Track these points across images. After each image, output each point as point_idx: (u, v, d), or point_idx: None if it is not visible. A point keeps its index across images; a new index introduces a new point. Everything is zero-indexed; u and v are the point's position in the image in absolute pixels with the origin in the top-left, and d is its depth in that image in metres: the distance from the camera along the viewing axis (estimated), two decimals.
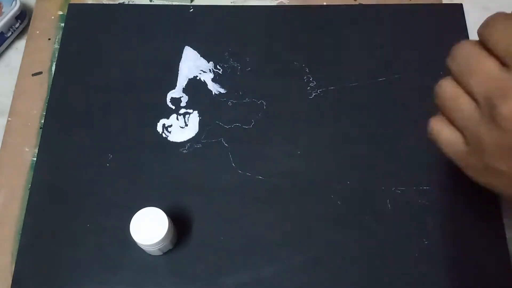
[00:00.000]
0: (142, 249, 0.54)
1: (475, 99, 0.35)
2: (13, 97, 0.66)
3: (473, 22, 0.68)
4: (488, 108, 0.33)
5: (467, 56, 0.36)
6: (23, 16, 0.69)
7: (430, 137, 0.40)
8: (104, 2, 0.72)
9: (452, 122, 0.38)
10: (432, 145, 0.61)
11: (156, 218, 0.52)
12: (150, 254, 0.56)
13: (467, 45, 0.36)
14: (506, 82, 0.32)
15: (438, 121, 0.40)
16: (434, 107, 0.60)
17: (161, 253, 0.56)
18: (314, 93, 0.64)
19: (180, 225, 0.57)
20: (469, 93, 0.35)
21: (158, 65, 0.67)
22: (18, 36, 0.70)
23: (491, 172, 0.36)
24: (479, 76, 0.34)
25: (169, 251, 0.56)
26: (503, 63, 0.33)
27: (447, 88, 0.37)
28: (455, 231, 0.57)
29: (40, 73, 0.67)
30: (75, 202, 0.59)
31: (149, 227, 0.52)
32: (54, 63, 0.67)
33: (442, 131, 0.39)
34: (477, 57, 0.35)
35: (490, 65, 0.34)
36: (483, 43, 0.36)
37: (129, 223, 0.52)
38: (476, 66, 0.35)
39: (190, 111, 0.64)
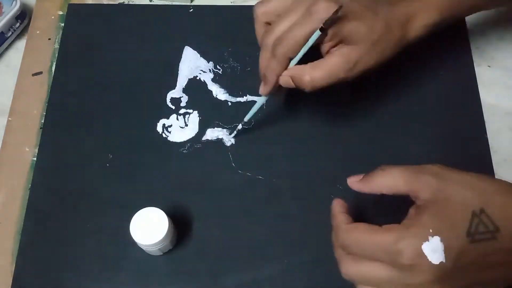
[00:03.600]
0: (142, 249, 0.54)
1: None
2: (13, 97, 0.66)
3: (473, 21, 0.68)
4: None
5: (362, 273, 0.41)
6: (23, 16, 0.69)
7: None
8: (104, 2, 0.72)
9: None
10: (431, 146, 0.61)
11: (156, 218, 0.52)
12: (150, 254, 0.56)
13: (354, 267, 0.42)
14: (397, 278, 0.39)
15: None
16: (434, 107, 0.60)
17: (161, 253, 0.56)
18: (314, 92, 0.64)
19: (180, 225, 0.57)
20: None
21: (158, 65, 0.67)
22: (18, 36, 0.70)
23: None
24: (384, 285, 0.40)
25: (169, 251, 0.56)
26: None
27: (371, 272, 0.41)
28: None
29: (40, 73, 0.67)
30: (75, 202, 0.59)
31: (149, 227, 0.52)
32: (54, 63, 0.67)
33: None
34: (370, 271, 0.40)
35: (383, 274, 0.40)
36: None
37: (129, 223, 0.52)
38: (376, 280, 0.40)
39: (190, 111, 0.64)
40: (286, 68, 0.51)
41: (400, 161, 0.59)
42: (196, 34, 0.69)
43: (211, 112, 0.64)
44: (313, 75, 0.49)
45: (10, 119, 0.64)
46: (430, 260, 0.37)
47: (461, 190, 0.39)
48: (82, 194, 0.59)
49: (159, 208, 0.53)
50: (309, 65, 0.50)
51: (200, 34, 0.69)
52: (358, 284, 0.42)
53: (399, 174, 0.42)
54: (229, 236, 0.57)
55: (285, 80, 0.51)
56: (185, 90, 0.65)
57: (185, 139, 0.62)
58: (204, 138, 0.62)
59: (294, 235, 0.57)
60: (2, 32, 0.67)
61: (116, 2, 0.71)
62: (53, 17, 0.71)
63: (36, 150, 0.62)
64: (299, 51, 0.50)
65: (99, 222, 0.58)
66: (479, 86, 0.64)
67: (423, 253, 0.37)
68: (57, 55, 0.68)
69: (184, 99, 0.65)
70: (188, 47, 0.68)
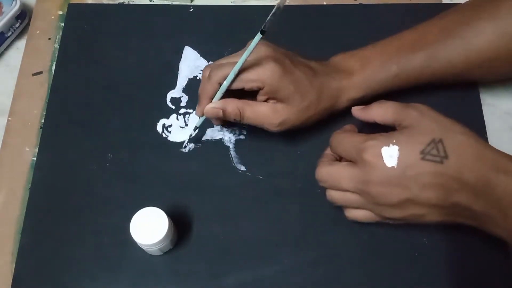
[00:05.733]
0: (142, 249, 0.54)
1: (352, 192, 0.49)
2: (13, 97, 0.66)
3: None
4: (363, 194, 0.48)
5: (329, 174, 0.50)
6: (23, 16, 0.69)
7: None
8: (104, 2, 0.72)
9: (351, 207, 0.52)
10: None
11: (156, 218, 0.52)
12: (150, 254, 0.56)
13: (324, 167, 0.51)
14: (357, 173, 0.48)
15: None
16: (433, 107, 0.60)
17: (161, 253, 0.56)
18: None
19: (180, 225, 0.57)
20: (346, 190, 0.49)
21: (158, 65, 0.67)
22: (18, 36, 0.70)
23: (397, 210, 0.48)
24: (345, 181, 0.49)
25: (169, 251, 0.56)
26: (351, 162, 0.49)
27: (334, 196, 0.51)
28: (455, 230, 0.57)
29: (40, 73, 0.67)
30: (75, 202, 0.59)
31: (149, 227, 0.52)
32: (54, 63, 0.67)
33: (354, 216, 0.52)
34: (335, 171, 0.50)
35: (345, 170, 0.49)
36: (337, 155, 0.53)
37: (129, 223, 0.52)
38: (338, 176, 0.49)
39: (190, 111, 0.64)
40: (215, 91, 0.55)
41: None
42: (196, 34, 0.69)
43: None
44: (244, 112, 0.55)
45: (10, 119, 0.64)
46: (385, 161, 0.45)
47: (432, 122, 0.47)
48: (82, 194, 0.59)
49: (159, 208, 0.53)
50: (243, 101, 0.55)
51: (200, 34, 0.69)
52: (324, 183, 0.51)
53: (391, 106, 0.50)
54: (229, 236, 0.57)
55: (214, 112, 0.55)
56: (185, 90, 0.65)
57: (185, 139, 0.62)
58: (204, 138, 0.62)
59: (294, 235, 0.57)
60: (2, 32, 0.67)
61: (116, 2, 0.71)
62: (53, 17, 0.71)
63: (36, 150, 0.62)
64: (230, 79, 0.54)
65: (99, 222, 0.58)
66: (479, 86, 0.64)
67: (381, 155, 0.46)
68: (57, 55, 0.68)
69: (184, 99, 0.65)
70: (188, 47, 0.68)
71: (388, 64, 0.57)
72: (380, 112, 0.50)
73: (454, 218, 0.47)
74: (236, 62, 0.53)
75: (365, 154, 0.47)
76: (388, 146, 0.46)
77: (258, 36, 0.50)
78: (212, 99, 0.55)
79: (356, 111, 0.53)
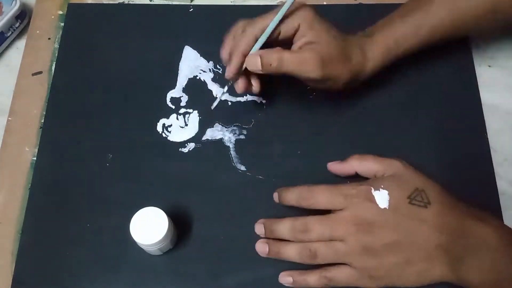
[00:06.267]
0: (142, 249, 0.54)
1: (341, 239, 0.49)
2: (13, 96, 0.66)
3: None
4: (352, 239, 0.48)
5: (316, 223, 0.49)
6: (23, 15, 0.69)
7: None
8: (104, 2, 0.72)
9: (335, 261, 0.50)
10: (431, 145, 0.61)
11: (156, 218, 0.52)
12: (150, 254, 0.56)
13: (307, 218, 0.50)
14: (349, 216, 0.49)
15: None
16: (434, 107, 0.60)
17: (161, 253, 0.56)
18: (314, 92, 0.64)
19: (180, 225, 0.57)
20: (334, 239, 0.49)
21: (158, 65, 0.67)
22: (18, 36, 0.70)
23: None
24: (335, 226, 0.49)
25: (169, 250, 0.56)
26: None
27: (319, 248, 0.49)
28: None
29: (40, 72, 0.67)
30: (75, 202, 0.59)
31: (149, 227, 0.52)
32: (54, 63, 0.67)
33: (334, 279, 0.50)
34: (323, 219, 0.49)
35: (334, 216, 0.49)
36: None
37: (129, 223, 0.52)
38: (327, 223, 0.49)
39: (190, 110, 0.64)
40: (250, 49, 0.54)
41: None
42: (196, 34, 0.69)
43: (211, 111, 0.64)
44: (284, 56, 0.53)
45: (10, 118, 0.64)
46: (377, 202, 0.48)
47: (413, 174, 0.50)
48: (82, 194, 0.59)
49: (159, 208, 0.53)
50: (280, 48, 0.53)
51: (200, 34, 0.69)
52: (311, 233, 0.49)
53: (371, 158, 0.53)
54: (229, 236, 0.57)
55: (253, 60, 0.53)
56: (185, 90, 0.65)
57: (185, 139, 0.62)
58: (204, 138, 0.62)
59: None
60: (2, 31, 0.67)
61: (116, 2, 0.71)
62: (53, 17, 0.71)
63: (36, 150, 0.62)
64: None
65: (99, 222, 0.58)
66: (479, 86, 0.64)
67: (374, 198, 0.48)
68: (57, 54, 0.68)
69: (184, 98, 0.65)
70: (188, 46, 0.68)
71: (406, 18, 0.58)
72: (361, 162, 0.54)
73: (432, 266, 0.47)
74: (267, 18, 0.54)
75: (358, 199, 0.48)
76: (379, 190, 0.48)
77: None
78: (245, 55, 0.54)
79: (333, 164, 0.56)
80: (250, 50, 0.54)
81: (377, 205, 0.47)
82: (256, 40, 0.54)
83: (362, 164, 0.53)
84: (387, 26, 0.58)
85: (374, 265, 0.47)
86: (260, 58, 0.53)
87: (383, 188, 0.48)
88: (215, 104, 0.60)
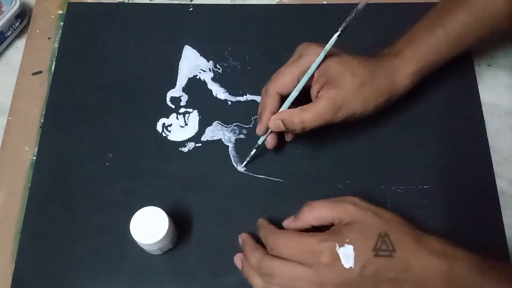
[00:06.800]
0: (142, 248, 0.54)
1: None
2: (13, 96, 0.66)
3: None
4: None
5: (280, 271, 0.47)
6: (23, 15, 0.69)
7: None
8: (104, 1, 0.71)
9: None
10: (431, 145, 0.61)
11: (156, 218, 0.52)
12: (150, 254, 0.56)
13: (274, 261, 0.48)
14: (312, 276, 0.46)
15: None
16: (433, 106, 0.60)
17: (161, 253, 0.56)
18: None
19: (180, 225, 0.57)
20: None
21: (157, 64, 0.67)
22: (18, 35, 0.70)
23: None
24: (298, 282, 0.47)
25: (169, 250, 0.56)
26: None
27: None
28: (455, 230, 0.57)
29: (40, 72, 0.67)
30: (75, 201, 0.59)
31: (149, 226, 0.52)
32: (54, 62, 0.67)
33: None
34: (288, 269, 0.47)
35: (299, 271, 0.47)
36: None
37: (129, 223, 0.52)
38: (290, 276, 0.47)
39: (190, 110, 0.64)
40: (278, 105, 0.55)
41: (400, 161, 0.60)
42: (196, 33, 0.69)
43: (211, 111, 0.64)
44: (303, 117, 0.53)
45: (10, 118, 0.64)
46: (342, 263, 0.45)
47: (373, 216, 0.48)
48: (82, 193, 0.59)
49: (159, 207, 0.53)
50: (299, 108, 0.54)
51: (200, 33, 0.69)
52: (274, 279, 0.48)
53: (323, 207, 0.50)
54: (229, 236, 0.57)
55: (276, 124, 0.54)
56: (185, 89, 0.65)
57: (185, 138, 0.62)
58: (204, 137, 0.62)
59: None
60: (2, 31, 0.67)
61: (116, 1, 0.71)
62: (52, 16, 0.71)
63: (36, 150, 0.62)
64: (288, 87, 0.54)
65: (99, 222, 0.58)
66: (479, 86, 0.64)
67: (338, 257, 0.45)
68: (57, 54, 0.68)
69: (184, 98, 0.65)
70: (188, 46, 0.68)
71: (434, 30, 0.57)
72: (315, 215, 0.50)
73: None
74: (289, 71, 0.54)
75: (322, 257, 0.46)
76: (343, 245, 0.46)
77: (334, 38, 0.51)
78: (274, 113, 0.55)
79: (288, 223, 0.52)
80: (276, 107, 0.55)
81: (343, 266, 0.45)
82: (280, 97, 0.55)
83: (316, 218, 0.50)
84: (415, 42, 0.57)
85: None
86: (283, 123, 0.54)
87: (348, 243, 0.46)
88: (245, 163, 0.61)
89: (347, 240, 0.46)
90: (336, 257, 0.45)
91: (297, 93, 0.54)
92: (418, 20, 0.60)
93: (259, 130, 0.57)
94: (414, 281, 0.46)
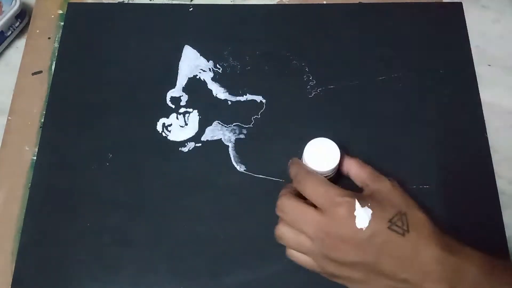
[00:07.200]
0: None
1: (308, 236, 0.48)
2: (13, 96, 0.66)
3: (473, 21, 0.68)
4: (318, 243, 0.48)
5: (293, 209, 0.49)
6: (23, 15, 0.69)
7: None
8: (104, 1, 0.71)
9: (297, 250, 0.51)
10: (431, 145, 0.61)
11: (328, 148, 0.54)
12: (150, 254, 0.56)
13: (290, 200, 0.50)
14: (323, 222, 0.47)
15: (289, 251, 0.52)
16: (433, 106, 0.60)
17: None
18: (314, 92, 0.64)
19: (180, 225, 0.57)
20: (303, 232, 0.49)
21: (157, 64, 0.67)
22: (18, 35, 0.70)
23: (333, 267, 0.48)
24: (307, 223, 0.48)
25: (169, 250, 0.56)
26: (317, 208, 0.49)
27: (286, 233, 0.50)
28: (455, 229, 0.57)
29: (40, 72, 0.67)
30: (75, 201, 0.59)
31: (322, 155, 0.53)
32: (54, 62, 0.67)
33: (295, 257, 0.52)
34: (301, 209, 0.49)
35: (311, 214, 0.48)
36: (300, 194, 0.51)
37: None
38: (302, 216, 0.49)
39: (190, 110, 0.64)
40: None
41: (400, 161, 0.60)
42: (196, 33, 0.69)
43: (211, 111, 0.64)
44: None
45: (10, 118, 0.64)
46: (356, 221, 0.46)
47: (399, 197, 0.49)
48: (82, 193, 0.59)
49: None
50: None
51: (200, 33, 0.69)
52: (283, 215, 0.50)
53: (369, 172, 0.53)
54: (229, 236, 0.57)
55: None
56: (185, 89, 0.65)
57: (185, 138, 0.62)
58: (204, 137, 0.62)
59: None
60: (2, 31, 0.67)
61: (116, 1, 0.71)
62: (53, 16, 0.71)
63: (36, 149, 0.62)
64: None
65: (99, 222, 0.58)
66: (479, 86, 0.64)
67: (354, 214, 0.46)
68: (57, 54, 0.68)
69: (184, 98, 0.65)
70: (188, 46, 0.68)
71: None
72: (358, 171, 0.53)
73: None
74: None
75: (339, 209, 0.47)
76: (363, 207, 0.47)
77: None
78: None
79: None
80: None
81: (355, 224, 0.46)
82: None
83: (358, 172, 0.53)
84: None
85: (334, 271, 0.48)
86: None
87: (368, 207, 0.47)
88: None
89: (369, 204, 0.47)
90: (352, 214, 0.46)
91: None
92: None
93: None
94: (418, 269, 0.45)
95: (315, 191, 0.49)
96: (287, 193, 0.51)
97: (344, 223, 0.46)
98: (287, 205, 0.50)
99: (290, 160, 0.54)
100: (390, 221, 0.46)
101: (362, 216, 0.46)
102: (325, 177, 0.53)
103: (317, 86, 0.64)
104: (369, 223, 0.46)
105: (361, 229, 0.46)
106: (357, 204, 0.47)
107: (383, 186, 0.50)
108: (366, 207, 0.47)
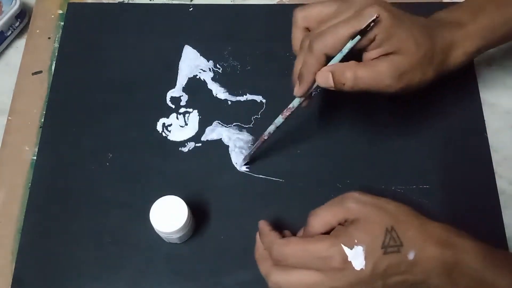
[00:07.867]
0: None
1: None
2: (13, 96, 0.66)
3: None
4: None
5: (289, 281, 0.46)
6: (23, 15, 0.69)
7: None
8: (104, 1, 0.71)
9: None
10: (431, 145, 0.61)
11: (175, 207, 0.52)
12: (150, 254, 0.56)
13: (285, 274, 0.46)
14: (326, 281, 0.45)
15: None
16: (433, 106, 0.60)
17: (179, 242, 0.56)
18: (313, 92, 0.64)
19: None
20: None
21: (157, 64, 0.67)
22: (18, 35, 0.70)
23: None
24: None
25: (169, 250, 0.56)
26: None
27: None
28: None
29: (40, 72, 0.67)
30: (75, 201, 0.59)
31: (169, 215, 0.52)
32: (54, 62, 0.67)
33: None
34: (300, 276, 0.46)
35: (311, 276, 0.45)
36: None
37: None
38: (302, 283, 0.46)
39: (190, 110, 0.64)
40: (322, 67, 0.49)
41: (400, 161, 0.60)
42: (196, 33, 0.69)
43: (211, 111, 0.64)
44: (358, 73, 0.48)
45: (10, 118, 0.64)
46: (353, 266, 0.44)
47: (377, 211, 0.46)
48: (82, 193, 0.60)
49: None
50: (353, 62, 0.49)
51: (200, 33, 0.69)
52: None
53: (327, 211, 0.48)
54: (229, 236, 0.57)
55: (324, 76, 0.49)
56: (185, 89, 0.65)
57: (185, 138, 0.62)
58: (204, 137, 0.62)
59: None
60: (2, 31, 0.67)
61: (116, 1, 0.71)
62: (53, 16, 0.71)
63: (36, 149, 0.62)
64: (338, 49, 0.48)
65: (99, 222, 0.58)
66: (479, 86, 0.64)
67: (349, 260, 0.44)
68: (57, 54, 0.68)
69: (184, 98, 0.65)
70: (188, 46, 0.68)
71: (504, 8, 0.52)
72: (321, 223, 0.48)
73: None
74: (343, 30, 0.47)
75: (333, 262, 0.44)
76: (353, 247, 0.45)
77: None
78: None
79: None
80: (320, 69, 0.49)
81: (354, 268, 0.44)
82: (327, 58, 0.49)
83: (323, 225, 0.48)
84: (481, 14, 0.52)
85: None
86: (332, 75, 0.48)
87: (356, 244, 0.45)
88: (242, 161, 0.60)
89: (356, 240, 0.45)
90: (347, 261, 0.44)
91: (342, 56, 0.48)
92: None
93: (299, 91, 0.51)
94: (421, 272, 0.45)
95: (299, 259, 0.46)
96: (272, 265, 0.48)
97: (344, 273, 0.44)
98: (279, 280, 0.46)
99: (257, 232, 0.52)
100: (383, 246, 0.45)
101: (357, 257, 0.44)
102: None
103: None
104: (365, 260, 0.44)
105: (362, 269, 0.44)
106: (346, 250, 0.44)
107: (353, 210, 0.47)
108: (355, 247, 0.45)
